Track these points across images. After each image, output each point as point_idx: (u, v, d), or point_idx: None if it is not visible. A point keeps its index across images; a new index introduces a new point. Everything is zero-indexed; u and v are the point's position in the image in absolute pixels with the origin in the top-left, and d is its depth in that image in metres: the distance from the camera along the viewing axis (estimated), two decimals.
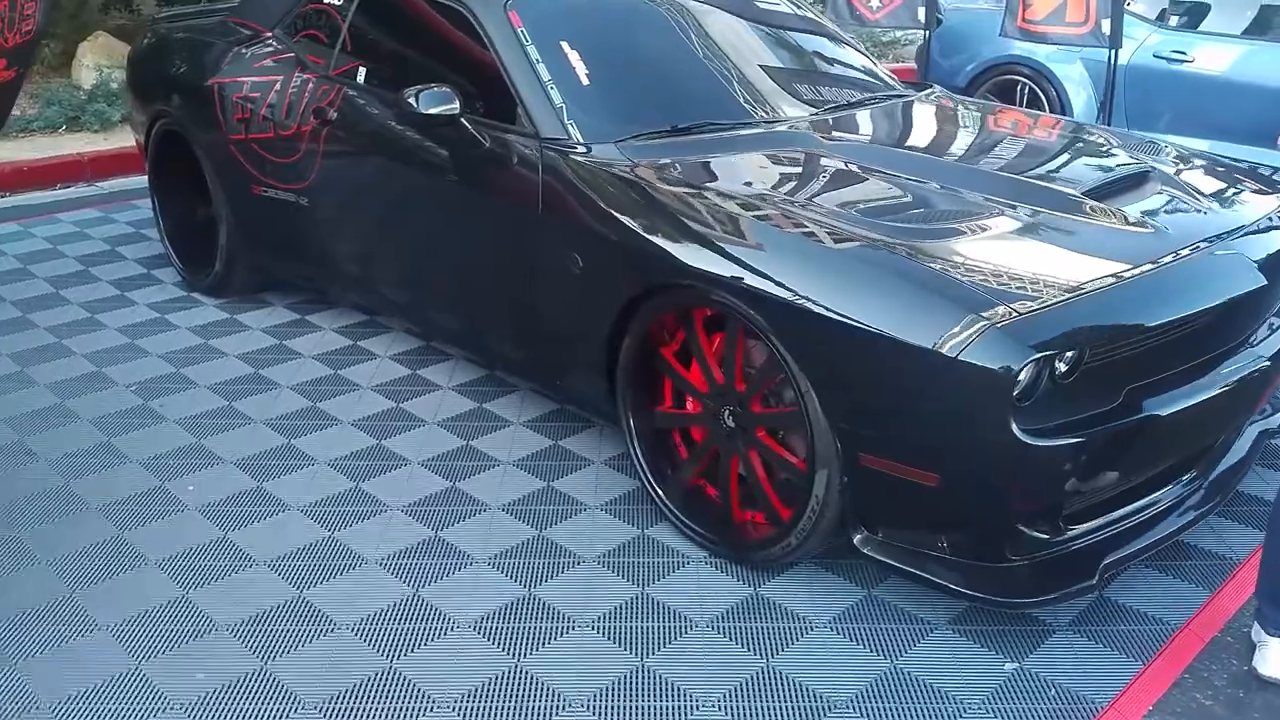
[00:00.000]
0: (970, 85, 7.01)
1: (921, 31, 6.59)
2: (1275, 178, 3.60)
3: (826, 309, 2.56)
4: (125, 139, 6.99)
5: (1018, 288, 2.50)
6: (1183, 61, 6.25)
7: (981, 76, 6.96)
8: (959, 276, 2.52)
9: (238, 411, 3.82)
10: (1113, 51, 5.73)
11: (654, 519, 3.17)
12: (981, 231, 2.77)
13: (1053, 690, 2.53)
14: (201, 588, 2.88)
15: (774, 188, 3.12)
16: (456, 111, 3.38)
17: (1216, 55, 6.22)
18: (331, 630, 2.73)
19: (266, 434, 3.67)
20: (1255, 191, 3.32)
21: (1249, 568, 2.97)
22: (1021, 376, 2.36)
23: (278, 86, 4.25)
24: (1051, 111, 6.59)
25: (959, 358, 2.37)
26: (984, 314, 2.41)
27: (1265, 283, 2.83)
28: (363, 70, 4.01)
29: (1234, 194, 3.25)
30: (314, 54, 4.24)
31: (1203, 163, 3.50)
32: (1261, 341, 2.97)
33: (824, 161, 3.24)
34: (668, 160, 3.16)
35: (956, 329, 2.40)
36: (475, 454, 3.54)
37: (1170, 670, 2.61)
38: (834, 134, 3.46)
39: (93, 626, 2.73)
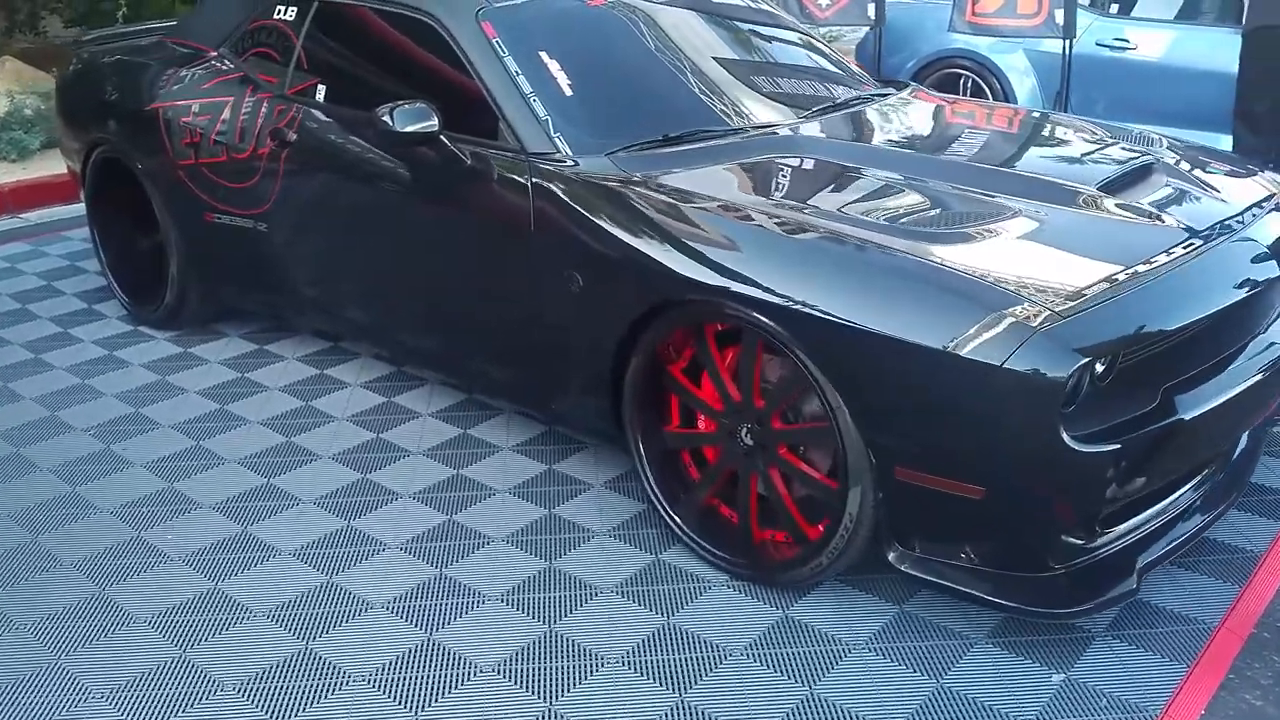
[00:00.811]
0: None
1: (862, 29, 6.59)
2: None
3: (859, 321, 2.47)
4: (46, 168, 6.69)
5: (1054, 290, 2.43)
6: (1125, 48, 6.31)
7: (923, 72, 6.96)
8: (994, 281, 2.44)
9: (208, 451, 3.62)
10: (1067, 41, 5.76)
11: (667, 543, 3.05)
12: (1006, 233, 2.71)
13: (1104, 700, 2.48)
14: (199, 645, 2.69)
15: (785, 196, 3.02)
16: (436, 129, 3.22)
17: (1156, 41, 6.29)
18: (346, 683, 2.56)
19: (243, 474, 3.48)
20: (1244, 177, 3.32)
21: (1272, 559, 2.96)
22: (1069, 381, 2.29)
23: (229, 108, 4.05)
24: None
25: (1004, 365, 2.30)
26: (1026, 319, 2.34)
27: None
28: (322, 88, 3.83)
29: (1231, 181, 3.24)
30: (266, 73, 4.05)
31: (1192, 150, 3.50)
32: (1270, 328, 2.95)
33: (830, 166, 3.16)
34: (666, 171, 3.05)
35: (999, 336, 2.33)
36: (468, 483, 3.39)
37: (1215, 671, 2.57)
38: (831, 137, 3.39)
39: (87, 695, 2.53)
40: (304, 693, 2.53)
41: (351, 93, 3.76)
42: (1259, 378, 2.72)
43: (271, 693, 2.53)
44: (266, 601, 2.85)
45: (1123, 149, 3.38)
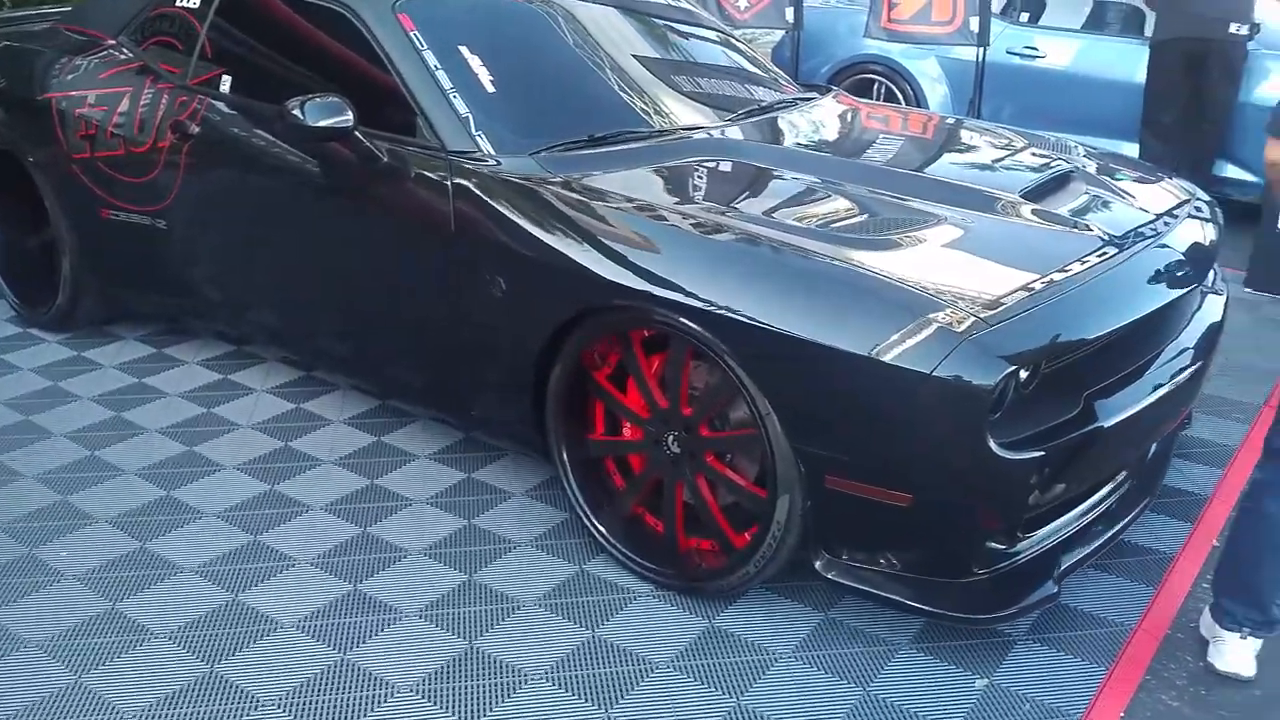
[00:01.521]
0: None
1: (777, 32, 6.59)
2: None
3: (788, 327, 2.43)
4: None
5: (980, 297, 2.42)
6: (1035, 57, 6.42)
7: (837, 77, 6.99)
8: (921, 288, 2.43)
9: (104, 462, 3.45)
10: (981, 49, 5.83)
11: (591, 552, 2.99)
12: (932, 239, 2.70)
13: (1027, 705, 2.48)
14: (96, 670, 2.55)
15: (712, 200, 2.97)
16: (350, 124, 3.10)
17: (1064, 50, 6.41)
18: (254, 708, 2.44)
19: (141, 486, 3.32)
20: (1157, 183, 3.38)
21: (1184, 560, 3.01)
22: (996, 389, 2.28)
23: (127, 99, 3.87)
24: None
25: (933, 373, 2.28)
26: (953, 326, 2.32)
27: (1198, 279, 2.86)
28: (227, 79, 3.68)
29: (1146, 188, 3.29)
30: (168, 62, 3.88)
31: (1108, 158, 3.55)
32: (1183, 333, 2.99)
33: (757, 170, 3.12)
34: (591, 172, 2.98)
35: (927, 343, 2.31)
36: (383, 493, 3.28)
37: (1133, 673, 2.60)
38: (758, 141, 3.35)
39: None
40: (209, 718, 2.40)
41: (259, 84, 3.62)
42: (1174, 384, 2.76)
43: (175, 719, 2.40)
44: (168, 622, 2.71)
45: (1042, 156, 3.41)
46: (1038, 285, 2.52)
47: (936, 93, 6.70)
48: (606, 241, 2.73)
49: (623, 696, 2.49)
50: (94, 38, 4.17)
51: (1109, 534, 2.79)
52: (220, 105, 3.65)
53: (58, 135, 4.00)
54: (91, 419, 3.72)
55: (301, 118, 3.08)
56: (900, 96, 6.78)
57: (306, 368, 4.04)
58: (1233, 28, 5.61)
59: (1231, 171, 5.87)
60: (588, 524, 2.95)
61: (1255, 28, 5.64)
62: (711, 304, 2.52)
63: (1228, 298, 3.29)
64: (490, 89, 3.21)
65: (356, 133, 3.14)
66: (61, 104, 4.00)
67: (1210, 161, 5.85)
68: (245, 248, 3.72)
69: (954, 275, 2.52)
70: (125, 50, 4.04)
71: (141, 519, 3.15)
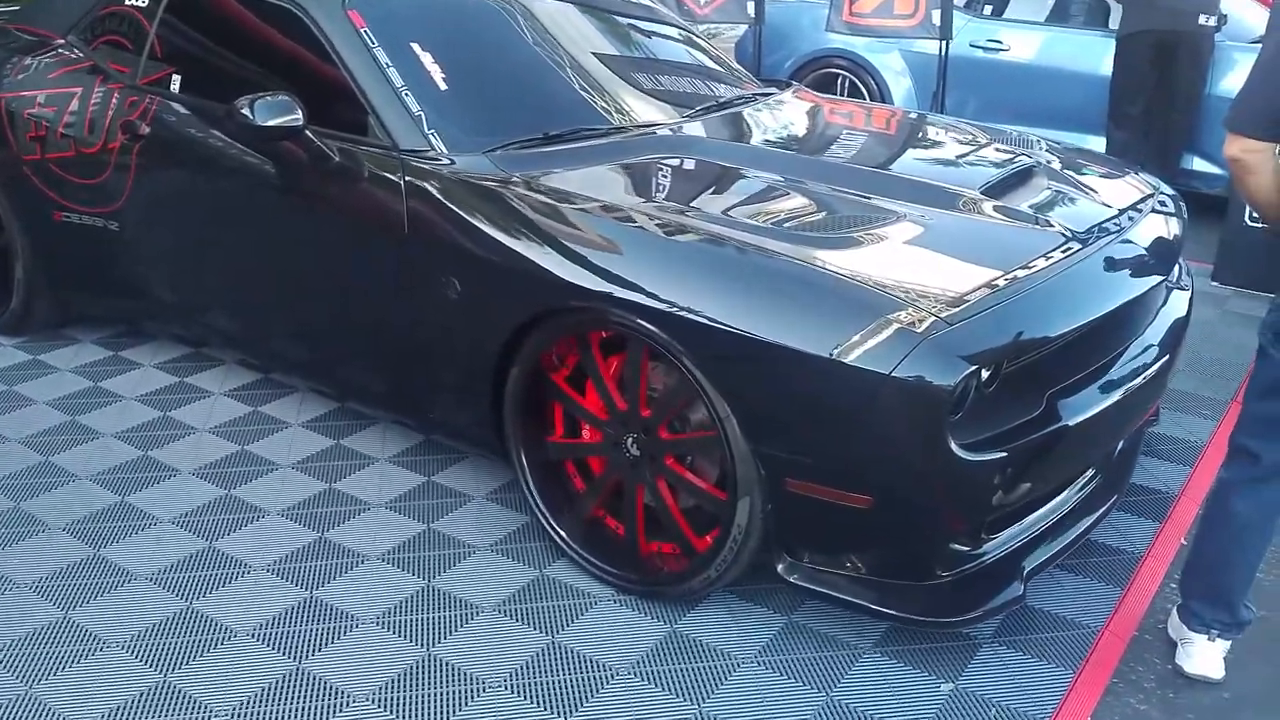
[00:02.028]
0: None
1: (740, 27, 6.55)
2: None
3: (745, 328, 2.39)
4: None
5: (940, 296, 2.39)
6: (999, 50, 6.41)
7: (800, 72, 6.96)
8: (880, 287, 2.39)
9: (58, 467, 3.38)
10: (944, 42, 5.81)
11: (551, 557, 2.94)
12: (891, 237, 2.66)
13: (993, 709, 2.45)
14: (48, 679, 2.49)
15: (669, 198, 2.93)
16: (300, 123, 3.05)
17: (1028, 43, 6.41)
18: (209, 717, 2.39)
19: (95, 492, 3.25)
20: (1121, 178, 3.36)
21: (1151, 560, 2.99)
22: (956, 389, 2.25)
23: (77, 99, 3.80)
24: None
25: (892, 374, 2.25)
26: (912, 326, 2.29)
27: (1162, 274, 2.84)
28: (177, 78, 3.61)
29: (1109, 183, 3.27)
30: (117, 62, 3.81)
31: (1071, 153, 3.53)
32: (1148, 329, 2.97)
33: (714, 168, 3.08)
34: (547, 171, 2.93)
35: (886, 344, 2.28)
36: (341, 498, 3.23)
37: (1100, 676, 2.57)
38: (715, 137, 3.31)
39: None
40: None
41: (209, 83, 3.56)
42: (1140, 381, 2.74)
43: None
44: (121, 631, 2.65)
45: (1003, 151, 3.39)
46: (999, 283, 2.49)
47: (900, 87, 6.69)
48: (563, 242, 2.69)
49: (583, 704, 2.45)
50: (43, 37, 4.09)
51: (1075, 534, 2.77)
52: (171, 105, 3.59)
53: (8, 137, 3.93)
54: (46, 424, 3.65)
55: (250, 117, 3.02)
56: (864, 90, 6.76)
57: (264, 370, 3.98)
58: (1202, 19, 5.61)
59: (1198, 164, 5.88)
60: (548, 528, 2.91)
61: (1222, 19, 5.65)
62: (668, 305, 2.48)
63: (1193, 292, 3.28)
64: (443, 86, 3.16)
65: (307, 132, 3.08)
66: (11, 105, 3.93)
67: (1177, 154, 5.86)
68: (198, 249, 3.66)
69: (914, 274, 2.48)
70: (75, 50, 3.96)
71: (96, 525, 3.08)
